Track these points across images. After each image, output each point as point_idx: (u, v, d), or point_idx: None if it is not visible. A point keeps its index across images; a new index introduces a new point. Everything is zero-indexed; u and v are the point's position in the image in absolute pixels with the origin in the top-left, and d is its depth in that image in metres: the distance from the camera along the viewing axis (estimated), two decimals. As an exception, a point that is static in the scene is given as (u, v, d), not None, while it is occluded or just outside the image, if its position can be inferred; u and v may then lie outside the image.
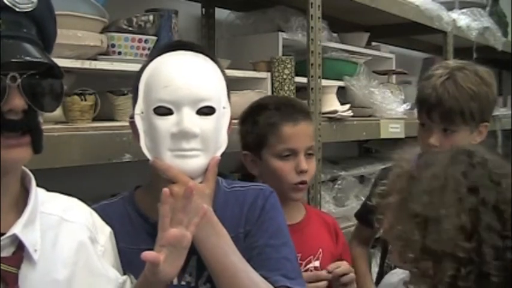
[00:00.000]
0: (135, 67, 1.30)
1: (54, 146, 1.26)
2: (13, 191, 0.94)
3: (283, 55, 2.17)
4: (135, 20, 1.67)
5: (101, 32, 1.58)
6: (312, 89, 2.11)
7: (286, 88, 2.08)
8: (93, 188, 1.73)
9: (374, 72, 2.84)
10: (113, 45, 1.61)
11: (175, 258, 1.05)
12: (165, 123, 1.15)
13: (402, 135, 2.54)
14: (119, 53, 1.62)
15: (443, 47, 3.17)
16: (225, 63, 1.86)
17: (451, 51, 3.15)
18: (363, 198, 2.26)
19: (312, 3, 2.09)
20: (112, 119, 1.62)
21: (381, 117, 2.50)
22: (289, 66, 2.09)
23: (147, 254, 1.01)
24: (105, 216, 1.12)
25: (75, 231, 1.01)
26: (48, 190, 1.03)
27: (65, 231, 0.99)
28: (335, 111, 2.22)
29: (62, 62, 1.13)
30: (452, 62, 1.75)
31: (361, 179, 2.86)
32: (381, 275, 1.78)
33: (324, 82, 2.21)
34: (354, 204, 2.51)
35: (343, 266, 1.57)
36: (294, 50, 2.32)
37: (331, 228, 1.67)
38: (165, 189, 1.06)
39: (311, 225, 1.62)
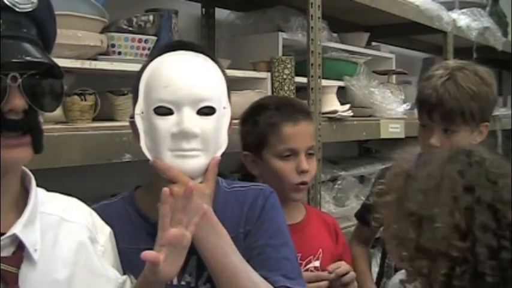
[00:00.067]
0: (135, 67, 1.30)
1: (54, 146, 1.26)
2: (13, 191, 0.94)
3: (283, 55, 2.17)
4: (135, 20, 1.67)
5: (101, 32, 1.58)
6: (312, 89, 2.11)
7: (286, 88, 2.08)
8: (93, 188, 1.73)
9: (374, 72, 2.84)
10: (113, 45, 1.61)
11: (175, 258, 1.05)
12: (166, 123, 1.15)
13: (402, 135, 2.54)
14: (119, 53, 1.62)
15: (443, 47, 3.17)
16: (225, 63, 1.86)
17: (451, 51, 3.15)
18: (363, 198, 2.26)
19: (312, 3, 2.09)
20: (112, 119, 1.62)
21: (381, 117, 2.50)
22: (289, 66, 2.09)
23: (147, 254, 1.01)
24: (105, 216, 1.12)
25: (75, 231, 1.01)
26: (48, 190, 1.03)
27: (64, 231, 0.99)
28: (335, 111, 2.22)
29: (62, 62, 1.13)
30: (452, 62, 1.75)
31: (361, 179, 2.86)
32: (381, 275, 1.78)
33: (324, 82, 2.21)
34: (354, 204, 2.51)
35: (343, 265, 1.57)
36: (294, 50, 2.32)
37: (331, 228, 1.67)
38: (165, 189, 1.07)
39: (311, 225, 1.62)
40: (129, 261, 1.13)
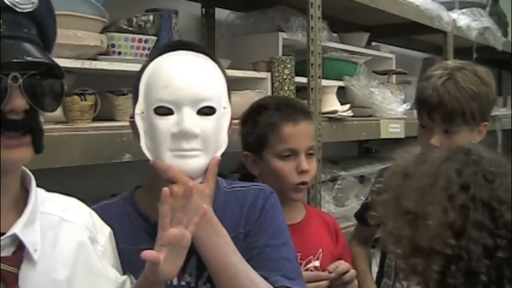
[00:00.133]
0: (135, 67, 1.30)
1: (54, 146, 1.26)
2: (13, 191, 0.94)
3: (283, 55, 2.17)
4: (135, 20, 1.67)
5: (101, 32, 1.58)
6: (312, 89, 2.11)
7: (286, 88, 2.08)
8: (93, 188, 1.73)
9: (374, 72, 2.84)
10: (113, 45, 1.61)
11: (175, 258, 1.05)
12: (166, 123, 1.15)
13: (402, 135, 2.54)
14: (119, 53, 1.62)
15: (443, 47, 3.17)
16: (225, 63, 1.86)
17: (451, 51, 3.15)
18: (363, 198, 2.26)
19: (312, 3, 2.09)
20: (112, 119, 1.62)
21: (381, 117, 2.50)
22: (289, 66, 2.09)
23: (147, 253, 1.01)
24: (105, 216, 1.12)
25: (75, 231, 1.01)
26: (48, 190, 1.03)
27: (64, 231, 0.99)
28: (335, 111, 2.22)
29: (62, 62, 1.12)
30: (451, 62, 1.75)
31: (361, 179, 2.86)
32: (381, 274, 1.78)
33: (324, 82, 2.21)
34: (354, 204, 2.51)
35: (343, 264, 1.57)
36: (294, 50, 2.32)
37: (331, 228, 1.67)
38: (165, 189, 1.07)
39: (311, 225, 1.62)
40: (129, 261, 1.13)
